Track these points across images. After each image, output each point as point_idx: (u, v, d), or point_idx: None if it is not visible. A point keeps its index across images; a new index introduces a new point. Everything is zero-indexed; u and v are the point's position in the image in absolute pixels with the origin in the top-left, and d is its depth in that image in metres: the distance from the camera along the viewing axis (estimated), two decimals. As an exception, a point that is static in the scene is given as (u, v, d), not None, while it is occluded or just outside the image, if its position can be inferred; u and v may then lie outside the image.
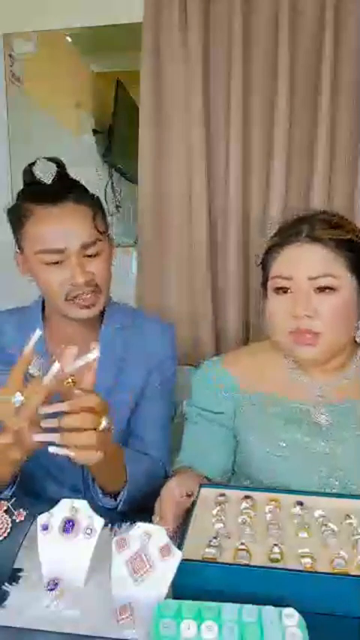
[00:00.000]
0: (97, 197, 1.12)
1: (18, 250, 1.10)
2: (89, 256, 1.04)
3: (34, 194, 1.04)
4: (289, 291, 0.99)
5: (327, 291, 0.97)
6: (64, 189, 1.04)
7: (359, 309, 1.01)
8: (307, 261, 0.98)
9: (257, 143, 1.54)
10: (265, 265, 1.06)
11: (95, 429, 0.79)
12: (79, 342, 1.12)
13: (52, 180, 1.04)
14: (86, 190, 1.10)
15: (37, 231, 1.03)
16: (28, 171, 1.05)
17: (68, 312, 1.07)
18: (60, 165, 1.06)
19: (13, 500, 0.79)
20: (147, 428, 1.15)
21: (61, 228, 1.02)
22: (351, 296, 0.99)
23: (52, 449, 0.78)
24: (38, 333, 0.81)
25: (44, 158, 1.05)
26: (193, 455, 1.09)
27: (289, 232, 1.01)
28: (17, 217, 1.06)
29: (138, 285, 1.67)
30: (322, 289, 0.97)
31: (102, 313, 1.16)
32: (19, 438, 0.81)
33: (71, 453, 0.79)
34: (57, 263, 1.03)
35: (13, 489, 0.94)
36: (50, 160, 1.05)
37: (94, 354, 0.79)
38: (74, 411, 0.79)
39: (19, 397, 0.78)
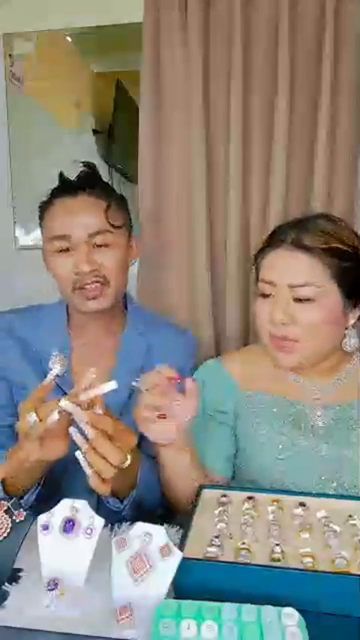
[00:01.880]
0: (121, 195, 1.16)
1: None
2: (99, 246, 1.07)
3: (57, 189, 1.11)
4: (270, 295, 0.99)
5: (304, 300, 0.96)
6: (83, 184, 1.10)
7: (346, 316, 1.01)
8: (290, 269, 0.97)
9: (257, 143, 1.54)
10: (257, 266, 1.06)
11: (116, 466, 0.80)
12: (102, 344, 1.13)
13: (77, 177, 1.11)
14: (109, 187, 1.14)
15: (50, 220, 1.09)
16: (61, 173, 1.12)
17: (77, 303, 1.09)
18: (89, 166, 1.13)
19: (13, 500, 0.80)
20: None
21: (69, 216, 1.07)
22: (334, 304, 0.98)
23: (78, 454, 0.79)
24: (93, 374, 0.81)
25: (78, 162, 1.13)
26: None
27: (277, 237, 1.01)
28: (41, 211, 1.12)
29: (138, 285, 1.67)
30: (301, 298, 0.96)
31: (124, 316, 1.19)
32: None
33: (88, 471, 0.79)
34: (66, 251, 1.07)
35: (36, 493, 0.95)
36: (83, 162, 1.13)
37: (110, 387, 0.79)
38: (93, 426, 0.79)
39: (33, 417, 0.80)
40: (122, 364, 1.12)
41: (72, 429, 0.80)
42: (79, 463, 0.80)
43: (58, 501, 0.78)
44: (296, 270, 0.97)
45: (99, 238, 1.07)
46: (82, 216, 1.06)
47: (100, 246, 1.07)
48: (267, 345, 1.03)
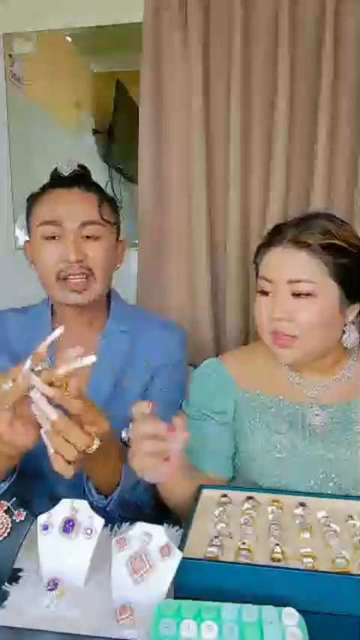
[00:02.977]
0: (113, 198, 1.18)
1: (27, 238, 1.15)
2: (88, 238, 1.08)
3: (50, 182, 1.13)
4: (270, 293, 1.00)
5: (304, 296, 0.97)
6: (77, 179, 1.12)
7: (344, 313, 1.01)
8: (288, 266, 0.98)
9: (257, 143, 1.54)
10: (256, 265, 1.07)
11: (81, 450, 0.77)
12: (84, 340, 1.13)
13: (70, 173, 1.12)
14: (102, 188, 1.16)
15: (40, 206, 1.10)
16: (54, 169, 1.14)
17: (60, 294, 1.09)
18: (83, 167, 1.16)
19: (13, 500, 0.79)
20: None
21: (62, 204, 1.08)
22: (332, 302, 0.98)
23: (42, 433, 0.77)
24: (58, 331, 0.79)
25: (73, 161, 1.15)
26: (195, 456, 1.08)
27: (276, 235, 1.02)
28: (32, 200, 1.13)
29: (138, 285, 1.67)
30: (299, 294, 0.97)
31: (108, 313, 1.18)
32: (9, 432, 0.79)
33: (51, 450, 0.77)
34: (54, 238, 1.07)
35: (9, 483, 0.92)
36: (78, 164, 1.15)
37: (89, 360, 0.75)
38: (65, 406, 0.76)
39: (7, 386, 0.76)
40: (104, 363, 1.09)
41: (34, 407, 0.76)
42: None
43: (54, 500, 0.78)
44: (295, 267, 0.97)
45: (89, 229, 1.07)
46: (75, 205, 1.08)
47: (90, 237, 1.08)
48: (267, 342, 1.03)
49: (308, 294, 0.96)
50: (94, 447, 0.78)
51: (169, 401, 1.16)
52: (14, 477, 0.93)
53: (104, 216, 1.09)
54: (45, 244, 1.08)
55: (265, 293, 1.01)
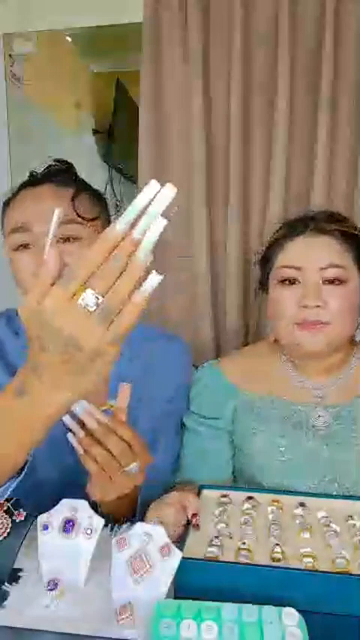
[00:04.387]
0: (97, 191, 1.07)
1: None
2: (65, 240, 0.92)
3: (24, 182, 1.02)
4: (296, 282, 1.00)
5: (336, 282, 0.98)
6: (50, 175, 1.00)
7: None
8: (317, 252, 0.99)
9: (257, 143, 1.54)
10: (267, 259, 1.06)
11: (121, 466, 0.78)
12: None
13: (44, 170, 1.02)
14: (81, 180, 1.05)
15: (12, 211, 0.98)
16: (31, 171, 1.05)
17: None
18: (62, 162, 1.05)
19: (13, 500, 0.79)
20: (155, 434, 1.06)
21: (32, 204, 0.95)
22: (356, 287, 1.00)
23: (70, 436, 0.77)
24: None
25: (52, 158, 1.05)
26: (193, 463, 1.08)
27: (297, 225, 1.03)
28: (4, 205, 1.02)
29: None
30: (331, 281, 0.98)
31: None
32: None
33: (80, 451, 0.78)
34: (26, 247, 0.94)
35: (17, 481, 0.82)
36: (56, 159, 1.05)
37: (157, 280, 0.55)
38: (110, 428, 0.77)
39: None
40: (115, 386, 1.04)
41: (70, 435, 0.77)
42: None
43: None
44: (324, 253, 0.99)
45: (63, 229, 0.91)
46: (44, 204, 0.93)
47: (67, 240, 0.93)
48: (287, 335, 1.01)
49: (340, 281, 0.98)
50: (132, 466, 0.79)
51: (175, 410, 1.10)
52: (23, 474, 0.83)
53: (80, 212, 0.94)
54: (17, 256, 0.94)
55: (288, 282, 1.01)
